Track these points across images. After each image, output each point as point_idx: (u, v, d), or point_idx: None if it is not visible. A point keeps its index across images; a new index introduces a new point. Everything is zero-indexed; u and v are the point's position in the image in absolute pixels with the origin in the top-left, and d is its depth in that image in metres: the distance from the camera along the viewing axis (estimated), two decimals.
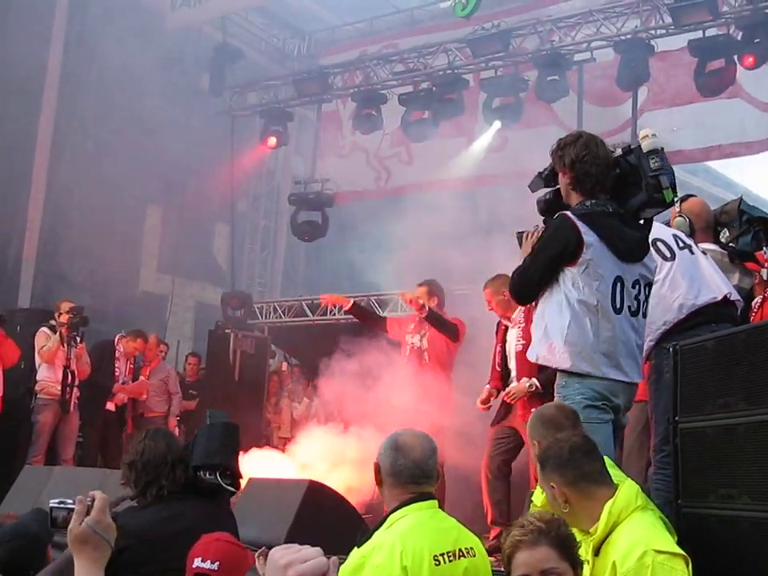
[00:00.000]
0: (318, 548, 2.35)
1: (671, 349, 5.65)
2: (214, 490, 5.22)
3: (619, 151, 6.01)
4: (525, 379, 9.13)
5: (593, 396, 5.72)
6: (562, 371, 5.88)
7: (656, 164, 5.77)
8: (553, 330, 5.92)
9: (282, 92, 19.22)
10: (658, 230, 6.53)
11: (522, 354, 9.15)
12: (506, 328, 9.65)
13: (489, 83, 16.51)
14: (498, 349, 9.71)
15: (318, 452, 11.20)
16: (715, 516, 4.99)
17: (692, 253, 6.81)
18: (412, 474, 4.48)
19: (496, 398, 9.57)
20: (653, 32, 15.16)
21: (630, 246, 5.84)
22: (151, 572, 4.60)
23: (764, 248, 7.49)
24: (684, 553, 4.21)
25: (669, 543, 4.22)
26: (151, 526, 4.88)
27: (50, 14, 17.05)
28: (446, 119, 16.72)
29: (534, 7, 17.18)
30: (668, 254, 6.66)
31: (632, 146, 5.94)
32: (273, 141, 19.06)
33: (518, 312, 9.46)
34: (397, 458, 4.50)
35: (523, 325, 9.31)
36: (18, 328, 13.68)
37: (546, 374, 8.93)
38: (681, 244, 6.79)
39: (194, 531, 4.32)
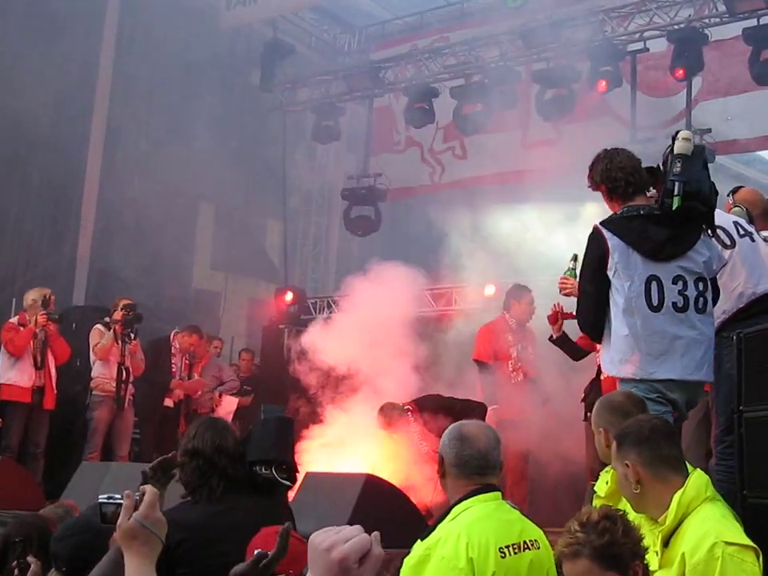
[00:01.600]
0: (358, 526, 2.32)
1: (734, 337, 5.62)
2: (270, 484, 5.20)
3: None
4: None
5: (646, 389, 5.77)
6: None
7: (677, 169, 5.87)
8: (607, 339, 6.09)
9: (333, 87, 19.18)
10: (719, 218, 6.47)
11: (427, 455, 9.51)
12: None
13: (541, 75, 16.39)
14: None
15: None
16: None
17: (753, 240, 6.75)
18: (477, 465, 4.47)
19: None
20: (706, 21, 15.00)
21: (656, 244, 5.90)
22: (207, 565, 4.59)
23: None
24: (755, 545, 4.14)
25: (739, 535, 4.16)
26: (206, 520, 4.88)
27: (101, 12, 17.11)
28: (499, 112, 16.62)
29: None
30: (728, 242, 6.61)
31: (674, 138, 6.01)
32: (325, 137, 19.07)
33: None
34: (462, 448, 4.49)
35: (418, 428, 9.75)
36: (73, 325, 13.76)
37: None
38: (741, 231, 6.73)
39: (249, 525, 4.28)
